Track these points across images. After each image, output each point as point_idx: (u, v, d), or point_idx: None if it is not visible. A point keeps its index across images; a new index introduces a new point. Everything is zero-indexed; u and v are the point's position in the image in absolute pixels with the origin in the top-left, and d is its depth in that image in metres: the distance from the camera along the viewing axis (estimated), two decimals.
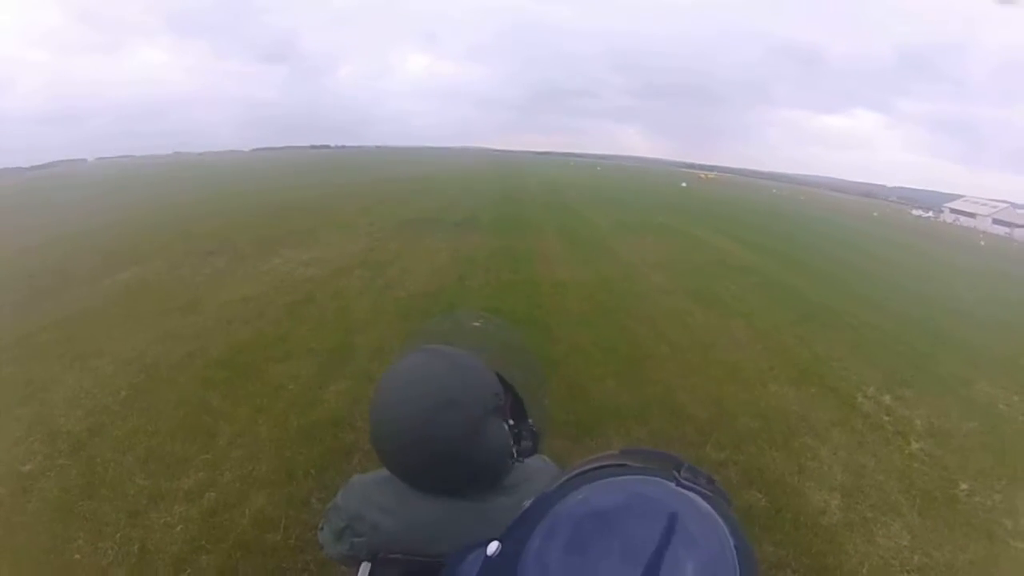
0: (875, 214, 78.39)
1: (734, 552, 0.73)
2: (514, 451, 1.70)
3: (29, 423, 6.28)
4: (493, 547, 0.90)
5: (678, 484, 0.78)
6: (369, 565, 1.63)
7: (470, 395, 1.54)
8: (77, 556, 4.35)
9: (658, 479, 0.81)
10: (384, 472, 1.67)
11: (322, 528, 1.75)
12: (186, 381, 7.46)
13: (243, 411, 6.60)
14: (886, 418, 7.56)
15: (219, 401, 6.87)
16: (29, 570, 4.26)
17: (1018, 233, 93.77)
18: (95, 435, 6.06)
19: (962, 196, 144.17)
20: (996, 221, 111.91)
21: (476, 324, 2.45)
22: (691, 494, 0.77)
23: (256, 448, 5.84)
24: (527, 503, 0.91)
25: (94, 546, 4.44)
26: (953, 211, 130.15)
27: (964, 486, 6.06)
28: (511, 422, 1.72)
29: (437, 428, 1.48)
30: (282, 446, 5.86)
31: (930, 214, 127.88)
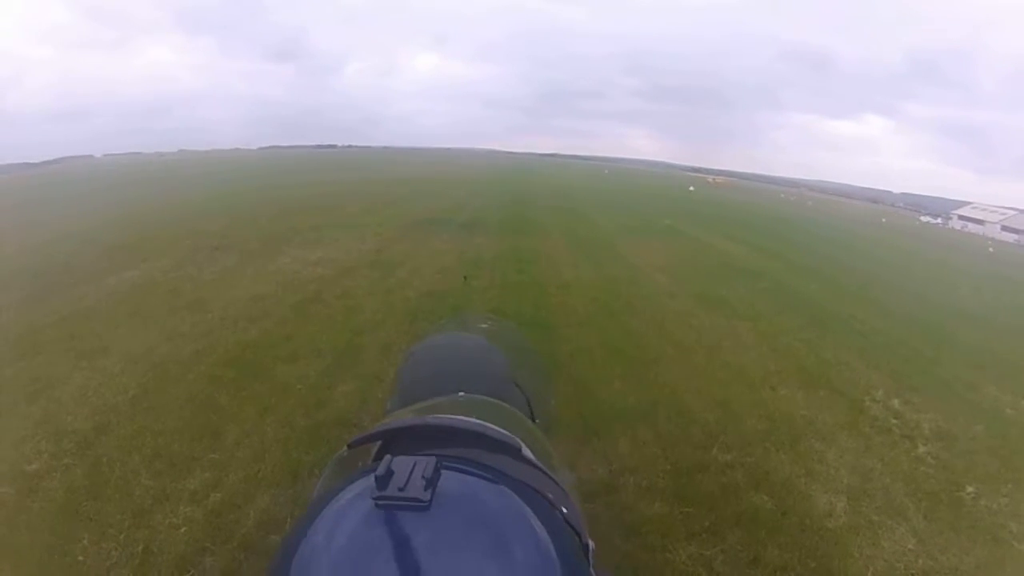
0: (883, 220, 78.05)
1: None
2: (531, 419, 1.72)
3: (35, 421, 6.29)
4: None
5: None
6: None
7: (496, 360, 1.60)
8: (81, 557, 4.35)
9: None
10: None
11: None
12: (193, 380, 7.47)
13: (250, 411, 6.61)
14: (894, 421, 7.53)
15: (226, 401, 6.88)
16: (33, 570, 4.26)
17: None
18: (101, 434, 6.07)
19: (970, 203, 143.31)
20: (1005, 228, 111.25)
21: (484, 325, 2.46)
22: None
23: (262, 448, 5.84)
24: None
25: (98, 546, 4.45)
26: (961, 217, 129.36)
27: (970, 489, 6.03)
28: None
29: (478, 377, 1.53)
30: (288, 446, 5.86)
31: (939, 220, 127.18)
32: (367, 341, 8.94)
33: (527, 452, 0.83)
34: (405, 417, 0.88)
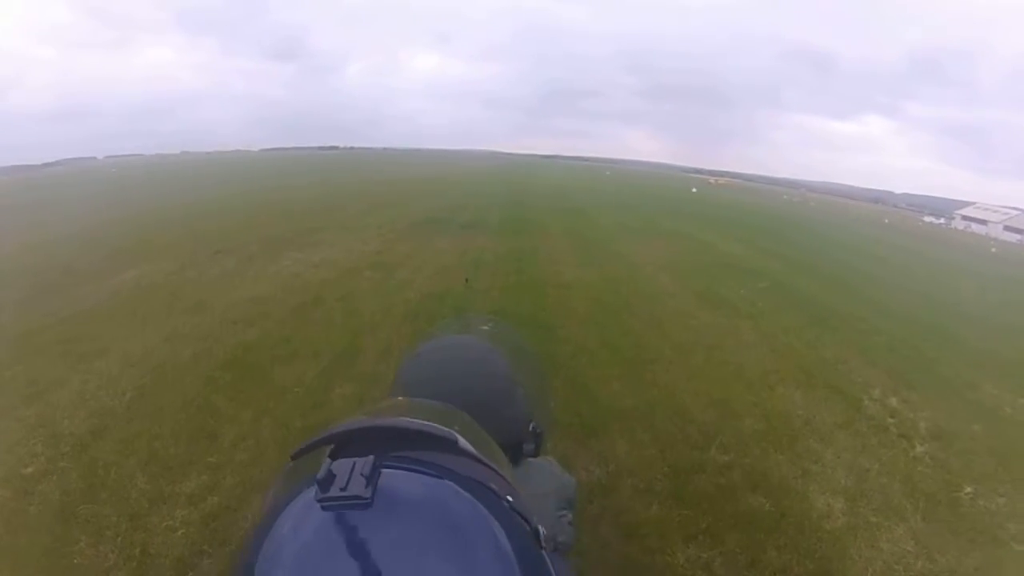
0: (886, 220, 78.07)
1: None
2: (531, 425, 1.72)
3: (32, 424, 6.31)
4: None
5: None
6: None
7: (500, 363, 1.60)
8: (78, 560, 4.36)
9: None
10: None
11: None
12: (191, 382, 7.47)
13: (247, 413, 6.61)
14: (891, 420, 7.51)
15: (223, 403, 6.88)
16: (30, 573, 4.27)
17: None
18: (98, 437, 6.08)
19: (973, 203, 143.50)
20: (1008, 228, 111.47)
21: (485, 327, 2.46)
22: None
23: (259, 451, 5.85)
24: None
25: (95, 549, 4.45)
26: (964, 218, 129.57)
27: (968, 490, 6.02)
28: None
29: (479, 379, 1.52)
30: (285, 449, 5.83)
31: (942, 221, 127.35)
32: (366, 343, 8.93)
33: (464, 444, 0.84)
34: (345, 422, 0.89)
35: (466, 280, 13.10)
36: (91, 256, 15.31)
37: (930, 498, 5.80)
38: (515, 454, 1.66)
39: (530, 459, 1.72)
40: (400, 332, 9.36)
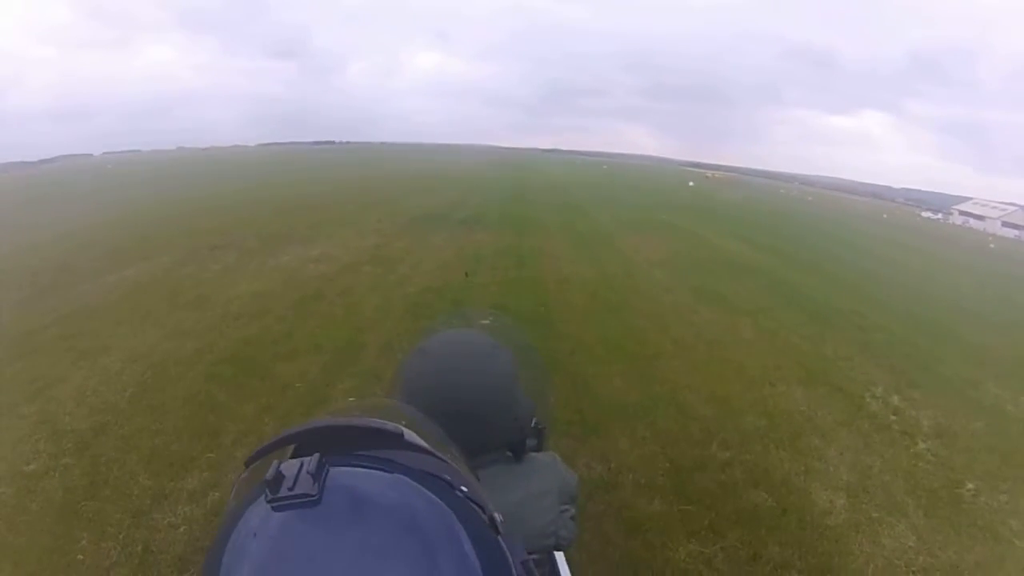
0: (884, 216, 78.09)
1: None
2: (534, 421, 1.71)
3: (34, 421, 6.29)
4: None
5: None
6: None
7: (504, 359, 1.59)
8: (80, 557, 4.35)
9: None
10: None
11: None
12: (192, 378, 7.46)
13: (249, 409, 6.60)
14: (893, 418, 7.51)
15: (225, 399, 6.88)
16: (32, 570, 4.25)
17: None
18: (100, 434, 6.07)
19: (971, 198, 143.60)
20: (1005, 224, 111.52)
21: (485, 322, 2.45)
22: None
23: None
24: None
25: (97, 546, 4.44)
26: (962, 213, 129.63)
27: (970, 486, 6.02)
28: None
29: (482, 376, 1.52)
30: None
31: (939, 216, 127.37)
32: (367, 338, 8.93)
33: (412, 438, 0.84)
34: (294, 426, 0.89)
35: (466, 274, 13.11)
36: (89, 254, 15.28)
37: (932, 495, 5.81)
38: (518, 450, 1.65)
39: (533, 455, 1.72)
40: (401, 327, 9.36)
